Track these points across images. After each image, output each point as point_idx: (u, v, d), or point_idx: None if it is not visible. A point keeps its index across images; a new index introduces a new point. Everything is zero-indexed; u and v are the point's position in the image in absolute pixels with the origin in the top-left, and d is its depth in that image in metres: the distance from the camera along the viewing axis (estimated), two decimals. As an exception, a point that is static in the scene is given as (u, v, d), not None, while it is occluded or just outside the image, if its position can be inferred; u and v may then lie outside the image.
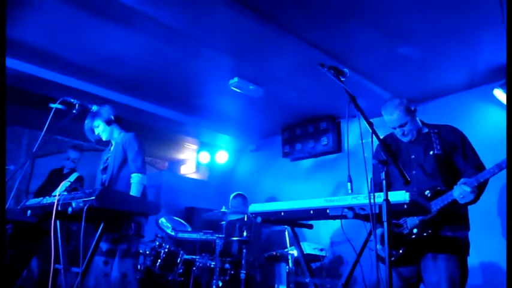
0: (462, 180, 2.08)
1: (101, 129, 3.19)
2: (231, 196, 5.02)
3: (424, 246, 2.18)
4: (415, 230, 2.19)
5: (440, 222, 2.16)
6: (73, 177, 4.24)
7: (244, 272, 3.79)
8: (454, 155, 2.30)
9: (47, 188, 4.25)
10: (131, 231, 2.85)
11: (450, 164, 2.30)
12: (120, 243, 2.85)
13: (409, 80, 4.01)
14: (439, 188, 2.21)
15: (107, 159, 3.20)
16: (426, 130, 2.41)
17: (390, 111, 2.35)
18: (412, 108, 2.37)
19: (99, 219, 2.07)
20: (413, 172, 2.31)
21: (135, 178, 2.99)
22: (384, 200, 1.49)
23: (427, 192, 2.22)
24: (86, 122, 3.17)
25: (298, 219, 2.07)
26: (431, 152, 2.30)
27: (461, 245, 2.20)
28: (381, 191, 2.41)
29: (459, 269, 2.12)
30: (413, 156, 2.37)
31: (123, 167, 3.08)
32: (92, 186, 4.53)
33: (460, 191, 2.05)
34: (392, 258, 2.20)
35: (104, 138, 3.24)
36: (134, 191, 2.94)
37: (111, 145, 3.29)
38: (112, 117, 3.19)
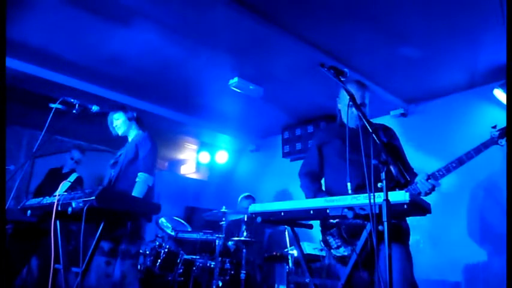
0: (424, 175, 2.11)
1: (119, 122, 3.21)
2: (241, 197, 5.01)
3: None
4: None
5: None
6: (73, 177, 4.22)
7: (244, 272, 3.79)
8: (396, 152, 2.37)
9: (46, 187, 4.25)
10: (127, 231, 2.82)
11: (394, 157, 2.32)
12: (120, 244, 2.84)
13: (409, 80, 4.01)
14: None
15: (119, 155, 3.17)
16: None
17: (358, 87, 2.41)
18: None
19: (99, 219, 2.07)
20: (354, 159, 2.20)
21: (141, 177, 2.95)
22: (383, 200, 1.48)
23: (379, 184, 2.16)
24: (109, 114, 3.26)
25: (298, 219, 2.07)
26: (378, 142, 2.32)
27: (407, 233, 2.21)
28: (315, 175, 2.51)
29: (407, 255, 2.11)
30: (355, 144, 2.23)
31: (132, 165, 3.04)
32: (92, 185, 4.52)
33: (429, 187, 2.09)
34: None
35: (119, 133, 3.24)
36: (137, 190, 2.89)
37: (127, 142, 3.27)
38: (134, 115, 3.27)
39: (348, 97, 2.34)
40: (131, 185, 2.94)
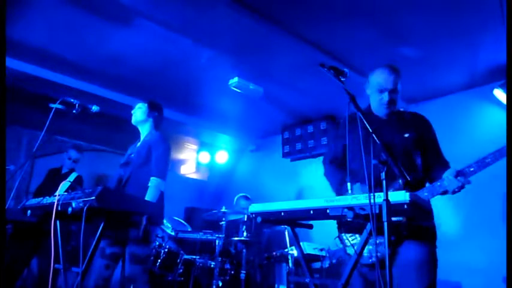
0: (452, 171, 1.95)
1: (139, 111, 3.11)
2: (237, 197, 5.00)
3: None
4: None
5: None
6: (72, 177, 4.22)
7: (244, 272, 3.79)
8: (427, 143, 2.21)
9: (46, 188, 4.24)
10: (139, 235, 2.70)
11: (423, 151, 2.20)
12: (127, 247, 2.74)
13: (409, 80, 4.00)
14: (416, 177, 2.09)
15: (130, 155, 3.06)
16: (398, 110, 2.31)
17: (391, 71, 2.26)
18: None
19: (99, 219, 2.07)
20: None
21: (153, 182, 2.83)
22: (384, 200, 1.48)
23: (400, 181, 2.00)
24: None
25: (298, 219, 2.06)
26: (406, 135, 2.17)
27: (432, 234, 2.09)
28: (340, 163, 2.41)
29: (429, 255, 2.00)
30: (386, 138, 2.02)
31: (144, 167, 2.92)
32: (92, 185, 4.52)
33: (458, 185, 1.92)
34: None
35: (133, 120, 3.13)
36: (150, 196, 2.77)
37: (139, 141, 3.16)
38: (156, 115, 3.18)
39: (378, 83, 2.24)
40: (143, 187, 2.82)
